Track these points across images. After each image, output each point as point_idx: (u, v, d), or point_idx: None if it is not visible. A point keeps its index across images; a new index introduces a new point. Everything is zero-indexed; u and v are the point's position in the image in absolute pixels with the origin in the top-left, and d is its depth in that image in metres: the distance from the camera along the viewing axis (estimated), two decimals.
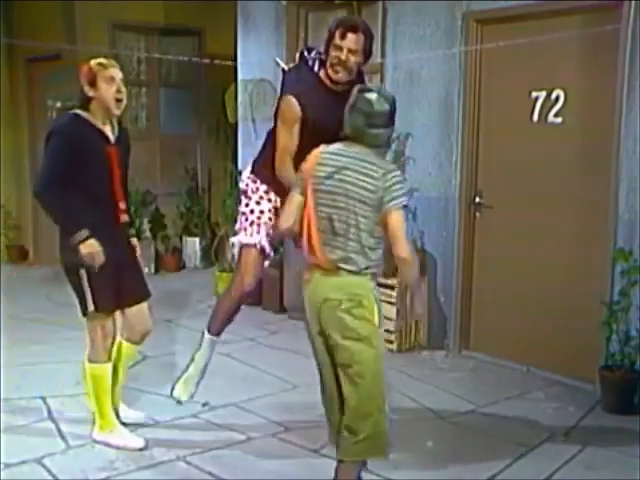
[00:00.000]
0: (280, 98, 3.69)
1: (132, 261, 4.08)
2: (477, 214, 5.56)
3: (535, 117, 5.13)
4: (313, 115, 3.57)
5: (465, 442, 4.12)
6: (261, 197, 3.86)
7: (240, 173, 7.25)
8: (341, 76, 3.56)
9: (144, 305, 4.11)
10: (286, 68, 3.90)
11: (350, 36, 3.50)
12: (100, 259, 3.74)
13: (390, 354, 5.61)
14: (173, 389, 4.01)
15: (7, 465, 3.75)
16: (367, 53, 3.61)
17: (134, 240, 4.16)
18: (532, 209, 5.19)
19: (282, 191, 3.75)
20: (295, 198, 3.25)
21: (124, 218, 3.94)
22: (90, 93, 3.81)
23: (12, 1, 8.59)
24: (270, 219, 3.82)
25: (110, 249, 3.80)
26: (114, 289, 3.89)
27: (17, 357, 5.33)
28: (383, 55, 5.94)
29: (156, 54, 8.29)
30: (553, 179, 5.10)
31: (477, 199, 5.54)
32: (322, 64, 3.64)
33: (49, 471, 3.72)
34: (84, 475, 3.70)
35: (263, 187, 3.84)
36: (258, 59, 7.10)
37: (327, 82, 3.62)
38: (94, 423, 4.04)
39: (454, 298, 5.70)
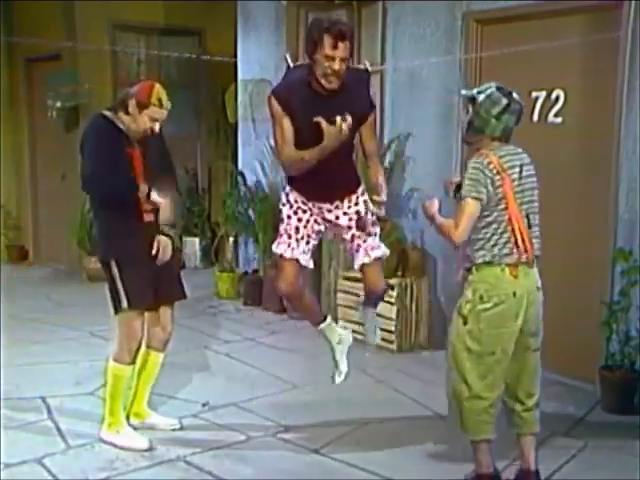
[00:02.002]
0: (268, 99, 3.70)
1: (168, 261, 4.04)
2: None
3: (535, 117, 5.12)
4: (300, 116, 3.55)
5: (465, 442, 4.11)
6: (283, 204, 3.85)
7: (240, 173, 7.32)
8: (335, 85, 3.53)
9: (168, 310, 4.11)
10: (292, 65, 3.88)
11: (341, 45, 3.46)
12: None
13: (390, 354, 5.63)
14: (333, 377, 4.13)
15: (7, 465, 3.75)
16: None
17: (161, 238, 3.97)
18: None
19: (303, 190, 3.76)
20: (473, 206, 3.28)
21: (149, 217, 3.89)
22: (131, 110, 3.81)
23: (12, 1, 8.60)
24: (288, 225, 3.80)
25: (138, 245, 3.83)
26: (147, 286, 3.90)
27: (17, 357, 5.33)
28: (383, 55, 5.95)
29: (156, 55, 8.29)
30: (553, 179, 5.07)
31: None
32: (309, 68, 3.58)
33: (49, 471, 3.72)
34: (84, 475, 3.70)
35: (288, 188, 3.83)
36: (258, 59, 7.11)
37: (315, 85, 3.57)
38: (103, 421, 4.04)
39: (454, 298, 5.68)
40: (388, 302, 5.63)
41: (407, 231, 5.88)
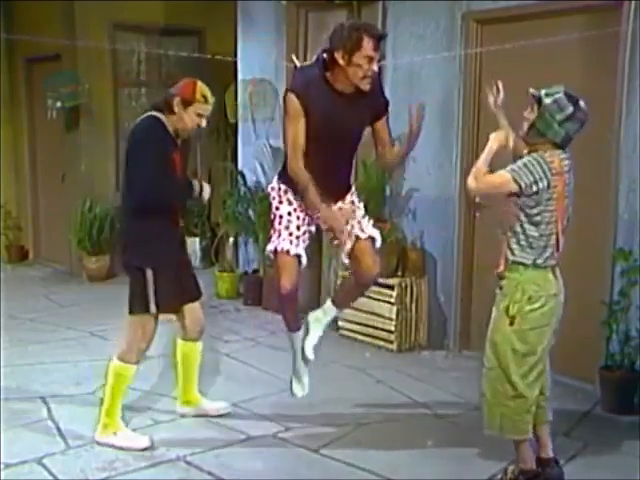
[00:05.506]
0: (284, 95, 3.65)
1: (187, 262, 4.22)
2: (477, 214, 5.56)
3: None
4: (317, 113, 3.53)
5: (465, 442, 4.12)
6: (280, 201, 3.79)
7: (240, 173, 7.32)
8: (369, 86, 3.54)
9: (197, 303, 4.23)
10: (299, 65, 3.86)
11: (377, 46, 3.49)
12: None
13: (390, 354, 5.64)
14: (292, 391, 4.18)
15: (7, 465, 3.75)
16: None
17: (205, 184, 4.23)
18: None
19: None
20: (507, 181, 3.34)
21: (181, 223, 4.05)
22: (176, 109, 3.81)
23: (12, 1, 8.60)
24: (289, 222, 3.75)
25: (172, 252, 3.94)
26: (176, 291, 3.97)
27: (17, 357, 5.34)
28: (383, 55, 5.94)
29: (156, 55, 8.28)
30: None
31: (477, 199, 5.53)
32: (325, 65, 3.56)
33: (49, 471, 3.73)
34: (84, 475, 3.70)
35: (283, 187, 3.78)
36: (258, 59, 7.11)
37: (335, 85, 3.55)
38: (98, 423, 4.03)
39: (454, 298, 5.70)
40: (388, 302, 5.64)
41: (407, 231, 5.88)
